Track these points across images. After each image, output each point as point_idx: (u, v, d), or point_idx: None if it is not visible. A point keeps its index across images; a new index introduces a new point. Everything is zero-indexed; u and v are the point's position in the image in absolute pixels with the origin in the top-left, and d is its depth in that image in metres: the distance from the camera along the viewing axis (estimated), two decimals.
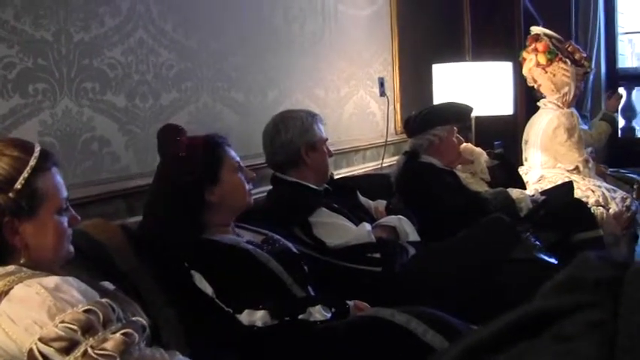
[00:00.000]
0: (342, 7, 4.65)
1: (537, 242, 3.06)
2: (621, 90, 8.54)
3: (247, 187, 2.70)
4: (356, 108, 4.85)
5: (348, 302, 2.51)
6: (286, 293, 2.48)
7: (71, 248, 1.87)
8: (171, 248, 2.41)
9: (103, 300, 1.65)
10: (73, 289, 1.63)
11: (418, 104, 5.04)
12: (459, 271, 2.84)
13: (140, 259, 2.37)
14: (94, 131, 2.89)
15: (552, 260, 2.99)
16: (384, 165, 5.01)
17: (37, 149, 1.79)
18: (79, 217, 1.91)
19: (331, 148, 4.42)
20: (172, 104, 3.28)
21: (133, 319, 1.68)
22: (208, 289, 2.33)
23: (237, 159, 2.69)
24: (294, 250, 2.69)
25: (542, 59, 4.96)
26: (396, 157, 4.53)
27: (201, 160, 2.57)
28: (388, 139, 5.08)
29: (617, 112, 5.63)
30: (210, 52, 3.50)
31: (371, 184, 4.20)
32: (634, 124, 9.00)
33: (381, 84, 5.13)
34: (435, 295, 2.74)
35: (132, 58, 3.06)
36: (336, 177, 4.47)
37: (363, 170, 4.84)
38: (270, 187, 3.34)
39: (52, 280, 1.63)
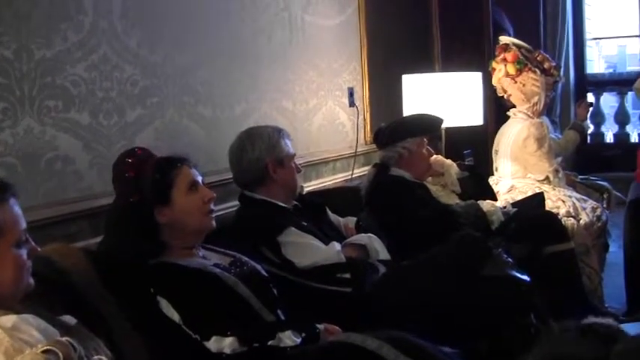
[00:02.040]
0: (309, 17, 4.61)
1: (509, 259, 3.03)
2: (590, 96, 8.65)
3: (207, 207, 2.62)
4: (325, 119, 4.80)
5: (319, 326, 2.46)
6: (255, 318, 2.42)
7: (31, 280, 1.80)
8: (133, 272, 2.34)
9: (64, 338, 1.59)
10: (31, 328, 1.57)
11: (388, 114, 5.01)
12: (430, 290, 2.80)
13: (104, 285, 2.30)
14: (58, 150, 2.82)
15: (525, 277, 2.96)
16: (354, 176, 4.97)
17: None
18: (39, 248, 1.84)
19: (300, 161, 4.38)
20: (138, 121, 3.22)
21: (95, 358, 1.62)
22: (175, 316, 2.27)
23: (197, 178, 2.63)
24: (263, 272, 2.64)
25: (512, 69, 4.94)
26: (366, 168, 4.49)
27: (150, 180, 2.51)
28: (358, 150, 5.05)
29: (586, 120, 5.60)
30: (176, 67, 3.44)
31: (341, 197, 4.16)
32: (602, 129, 9.06)
33: (351, 94, 5.09)
34: (407, 316, 2.70)
35: (95, 74, 3.00)
36: (306, 190, 4.44)
37: (333, 182, 4.80)
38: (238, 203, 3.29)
39: (9, 320, 1.57)
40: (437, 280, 2.83)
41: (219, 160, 3.49)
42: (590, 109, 5.87)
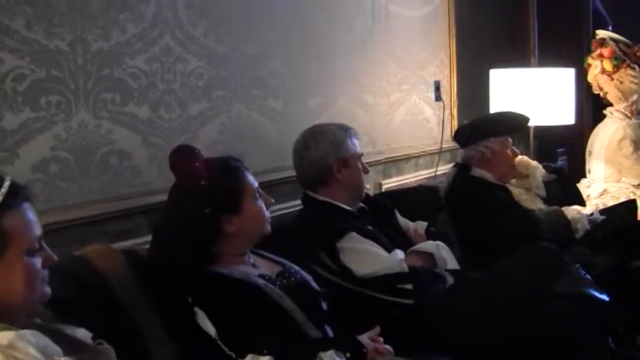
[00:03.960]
0: (393, 7, 4.43)
1: (587, 276, 2.79)
2: None
3: (267, 214, 2.51)
4: (408, 113, 4.63)
5: (368, 343, 2.31)
6: (299, 334, 2.27)
7: (47, 290, 1.69)
8: (176, 280, 2.23)
9: (63, 358, 1.48)
10: (29, 346, 1.46)
11: (477, 110, 4.81)
12: (496, 307, 2.58)
13: (143, 290, 2.20)
14: (114, 144, 2.73)
15: (603, 297, 2.72)
16: (438, 173, 4.79)
17: (6, 184, 1.62)
18: (55, 257, 1.72)
19: (380, 157, 4.27)
20: (202, 114, 3.11)
21: None
22: (211, 330, 2.13)
23: (256, 184, 2.50)
24: (313, 284, 2.48)
25: (608, 65, 4.68)
26: (451, 164, 4.29)
27: (223, 189, 2.38)
28: (443, 146, 4.86)
29: None
30: (245, 58, 3.32)
31: (420, 197, 4.00)
32: None
33: (437, 88, 4.90)
34: (468, 335, 2.52)
35: (157, 66, 2.90)
36: (385, 186, 4.29)
37: (415, 179, 4.64)
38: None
39: (6, 336, 1.46)
40: (503, 297, 2.62)
41: (289, 155, 3.33)
42: None
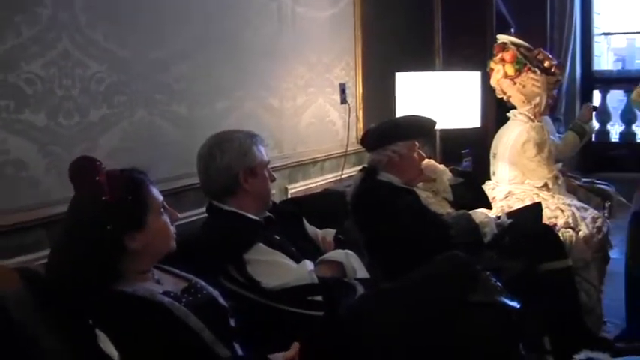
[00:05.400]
0: (300, 8, 4.37)
1: (498, 283, 2.79)
2: (596, 93, 8.43)
3: (172, 229, 2.40)
4: (314, 117, 4.57)
5: (277, 356, 2.25)
6: (207, 353, 2.19)
7: None
8: (77, 300, 2.11)
9: None
10: None
11: (383, 112, 4.79)
12: (409, 318, 2.55)
13: (42, 312, 2.08)
14: (8, 154, 2.59)
15: (514, 304, 2.72)
16: (344, 176, 4.75)
17: None
18: None
19: (286, 161, 4.20)
20: (103, 121, 2.98)
21: None
22: (114, 353, 2.03)
23: (161, 198, 2.39)
24: (221, 300, 2.39)
25: (510, 70, 4.71)
26: (358, 168, 4.25)
27: (126, 204, 2.25)
28: (349, 149, 4.83)
29: (590, 121, 5.31)
30: (148, 62, 3.21)
31: (327, 202, 3.95)
32: (608, 127, 8.83)
33: (343, 90, 4.86)
34: (384, 344, 2.48)
35: (54, 71, 2.76)
36: (290, 192, 4.23)
37: (321, 183, 4.58)
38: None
39: None
40: (417, 308, 2.58)
41: (195, 162, 3.23)
42: (594, 113, 5.59)
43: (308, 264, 2.82)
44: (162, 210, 2.37)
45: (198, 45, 3.52)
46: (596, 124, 7.04)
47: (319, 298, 2.70)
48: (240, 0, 3.84)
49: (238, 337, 2.35)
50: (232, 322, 2.37)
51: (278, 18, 4.17)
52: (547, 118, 5.23)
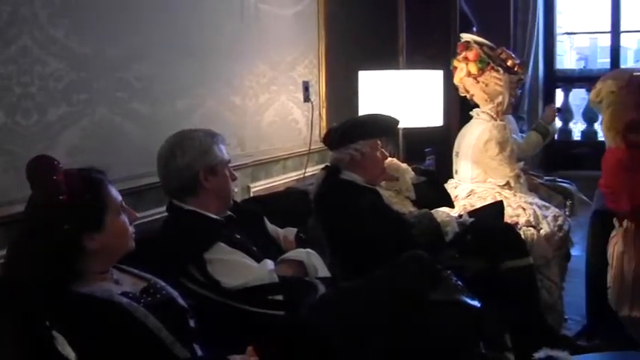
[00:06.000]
0: (263, 6, 4.34)
1: (459, 282, 2.80)
2: (559, 92, 8.49)
3: (131, 229, 2.38)
4: (277, 115, 4.55)
5: (237, 357, 2.24)
6: (166, 354, 2.17)
7: None
8: (33, 302, 2.07)
9: None
10: None
11: (346, 110, 4.78)
12: (372, 315, 2.55)
13: None
14: None
15: (474, 303, 2.74)
16: (306, 174, 4.73)
17: None
18: None
19: (248, 160, 4.18)
20: (62, 119, 2.94)
21: None
22: (71, 355, 2.00)
23: (120, 198, 2.36)
24: (180, 300, 2.37)
25: (474, 68, 4.73)
26: (321, 166, 4.24)
27: (84, 204, 2.23)
28: (312, 147, 4.81)
29: (552, 122, 5.34)
30: (108, 60, 3.17)
31: (290, 200, 3.94)
32: (571, 126, 8.89)
33: (306, 88, 4.85)
34: (346, 342, 2.47)
35: (13, 68, 2.72)
36: (253, 190, 4.21)
37: (284, 181, 4.56)
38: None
39: None
40: (378, 307, 2.58)
41: (155, 160, 3.20)
42: (557, 114, 5.62)
43: (269, 263, 2.81)
44: (120, 210, 2.34)
45: (159, 42, 3.48)
46: (559, 123, 7.10)
47: (280, 297, 2.69)
48: None
49: (198, 337, 2.33)
50: (192, 323, 2.35)
51: (241, 15, 4.14)
52: (510, 117, 5.27)
